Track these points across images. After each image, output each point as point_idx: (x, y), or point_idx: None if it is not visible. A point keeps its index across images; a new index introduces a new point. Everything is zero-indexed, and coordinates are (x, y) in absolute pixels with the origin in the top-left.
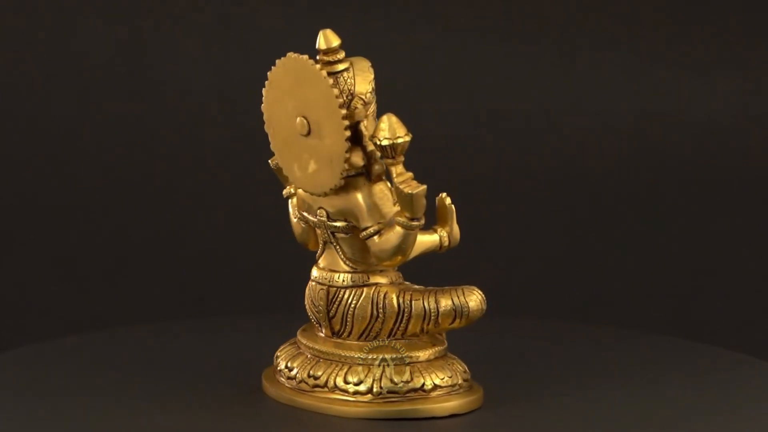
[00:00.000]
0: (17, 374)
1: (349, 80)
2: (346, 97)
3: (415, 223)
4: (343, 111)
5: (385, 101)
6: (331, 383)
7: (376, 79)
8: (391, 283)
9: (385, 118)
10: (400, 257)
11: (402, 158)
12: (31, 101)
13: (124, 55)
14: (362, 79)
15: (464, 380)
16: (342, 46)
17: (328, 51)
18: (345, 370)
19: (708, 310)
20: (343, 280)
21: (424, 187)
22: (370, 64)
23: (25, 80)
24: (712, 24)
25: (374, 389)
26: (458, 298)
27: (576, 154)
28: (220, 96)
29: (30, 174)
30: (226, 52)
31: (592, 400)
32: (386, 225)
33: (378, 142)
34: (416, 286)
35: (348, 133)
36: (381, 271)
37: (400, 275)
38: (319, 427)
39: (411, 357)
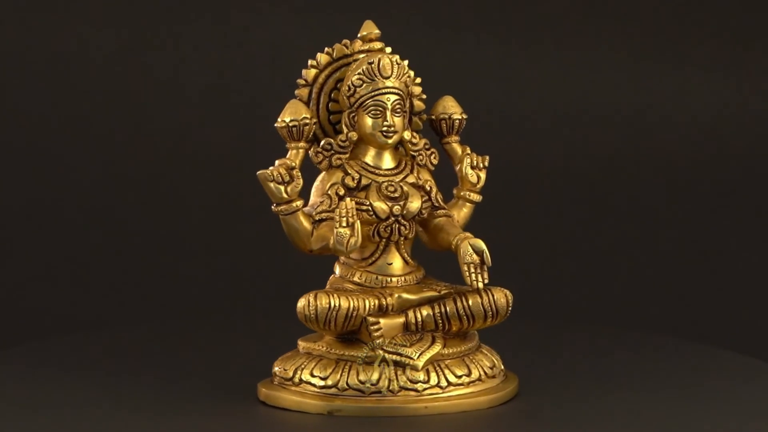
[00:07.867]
0: (16, 374)
1: (349, 71)
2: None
3: (274, 207)
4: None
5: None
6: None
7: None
8: (340, 277)
9: (290, 102)
10: (294, 243)
11: (301, 144)
12: (30, 101)
13: (124, 55)
14: (352, 72)
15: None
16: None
17: (363, 39)
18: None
19: (707, 311)
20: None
21: (263, 171)
22: (371, 60)
23: (24, 80)
24: (711, 24)
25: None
26: (319, 300)
27: (575, 153)
28: (221, 95)
29: (30, 174)
30: (226, 51)
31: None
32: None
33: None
34: (350, 286)
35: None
36: (343, 262)
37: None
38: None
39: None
